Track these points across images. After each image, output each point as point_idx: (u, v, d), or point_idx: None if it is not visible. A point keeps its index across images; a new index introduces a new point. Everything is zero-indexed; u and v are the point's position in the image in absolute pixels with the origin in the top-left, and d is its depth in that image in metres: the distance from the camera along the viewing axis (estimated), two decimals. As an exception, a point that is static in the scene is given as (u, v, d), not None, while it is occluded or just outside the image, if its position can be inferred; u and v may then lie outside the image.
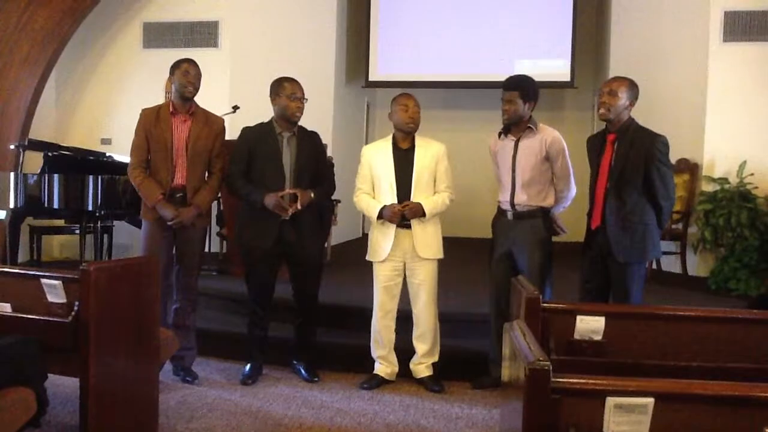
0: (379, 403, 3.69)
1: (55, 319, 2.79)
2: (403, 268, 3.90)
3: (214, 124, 3.92)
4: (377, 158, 3.90)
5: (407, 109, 3.84)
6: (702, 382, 1.85)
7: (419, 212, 3.79)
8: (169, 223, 3.76)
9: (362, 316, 4.11)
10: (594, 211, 3.52)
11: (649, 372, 2.33)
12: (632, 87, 3.46)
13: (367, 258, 3.96)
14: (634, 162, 3.38)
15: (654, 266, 5.88)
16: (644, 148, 3.38)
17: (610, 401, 1.68)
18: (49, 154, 5.63)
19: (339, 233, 6.92)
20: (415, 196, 3.81)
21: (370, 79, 8.20)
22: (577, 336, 2.56)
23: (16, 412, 2.28)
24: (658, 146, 3.39)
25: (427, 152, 3.86)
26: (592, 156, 3.61)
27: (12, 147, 5.82)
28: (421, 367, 3.94)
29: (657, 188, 3.38)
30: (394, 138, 3.92)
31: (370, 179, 3.94)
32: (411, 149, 3.87)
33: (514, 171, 3.75)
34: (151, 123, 3.80)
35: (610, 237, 3.42)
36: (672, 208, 3.53)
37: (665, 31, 6.45)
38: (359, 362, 4.05)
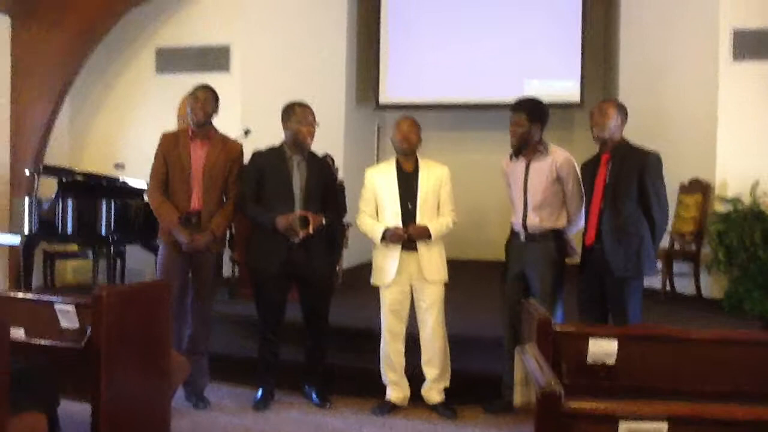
0: (392, 429, 3.67)
1: (68, 345, 2.80)
2: (410, 291, 3.89)
3: (232, 149, 3.96)
4: (381, 181, 3.92)
5: (400, 130, 3.87)
6: (716, 406, 1.83)
7: (425, 234, 3.79)
8: (184, 248, 3.78)
9: (373, 339, 4.09)
10: (588, 227, 3.56)
11: (663, 395, 2.31)
12: (621, 107, 3.58)
13: (372, 282, 3.96)
14: (627, 178, 3.45)
15: (668, 287, 5.83)
16: (637, 164, 3.46)
17: (623, 426, 1.67)
18: (63, 179, 5.68)
19: (351, 256, 6.91)
20: (420, 219, 3.81)
21: (381, 101, 8.25)
22: (589, 359, 2.54)
23: (29, 437, 2.29)
24: (652, 161, 3.48)
25: (431, 175, 3.87)
26: (586, 178, 3.65)
27: (27, 173, 5.88)
28: (433, 392, 3.91)
29: (651, 202, 3.44)
30: (397, 161, 3.93)
31: (373, 202, 3.95)
32: (415, 172, 3.88)
33: (525, 193, 3.76)
34: (170, 147, 3.86)
35: (606, 252, 3.45)
36: (666, 224, 3.56)
37: (674, 51, 6.46)
38: (371, 386, 4.02)
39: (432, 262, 3.84)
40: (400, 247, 3.83)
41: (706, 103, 6.02)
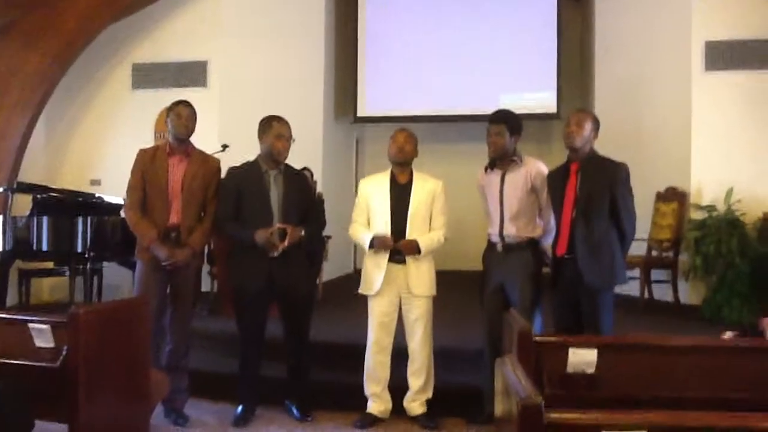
0: (374, 441, 3.64)
1: (43, 364, 2.75)
2: (398, 303, 3.88)
3: (210, 164, 3.95)
4: (374, 192, 3.92)
5: (396, 141, 3.88)
6: (696, 413, 1.84)
7: (415, 249, 3.79)
8: (163, 264, 3.75)
9: (354, 354, 4.07)
10: (560, 238, 3.57)
11: (644, 404, 2.32)
12: (596, 120, 3.61)
13: (360, 291, 3.94)
14: (599, 190, 3.48)
15: (646, 295, 5.88)
16: (608, 176, 3.49)
17: (605, 436, 1.67)
18: (38, 196, 5.62)
19: (330, 269, 6.90)
20: (410, 232, 3.81)
21: (359, 114, 8.27)
22: (570, 369, 2.55)
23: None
24: (622, 174, 3.51)
25: (424, 188, 3.88)
26: (554, 188, 3.65)
27: (1, 190, 5.80)
28: (415, 404, 3.90)
29: (622, 215, 3.47)
30: (392, 172, 3.94)
31: (366, 212, 3.95)
32: (408, 184, 3.89)
33: (501, 204, 3.78)
34: (148, 163, 3.83)
35: (581, 265, 3.46)
36: (634, 234, 3.59)
37: (649, 62, 6.55)
38: (352, 400, 3.99)
39: (420, 276, 3.84)
40: (387, 258, 3.82)
41: (681, 113, 6.12)
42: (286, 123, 3.92)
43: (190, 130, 3.88)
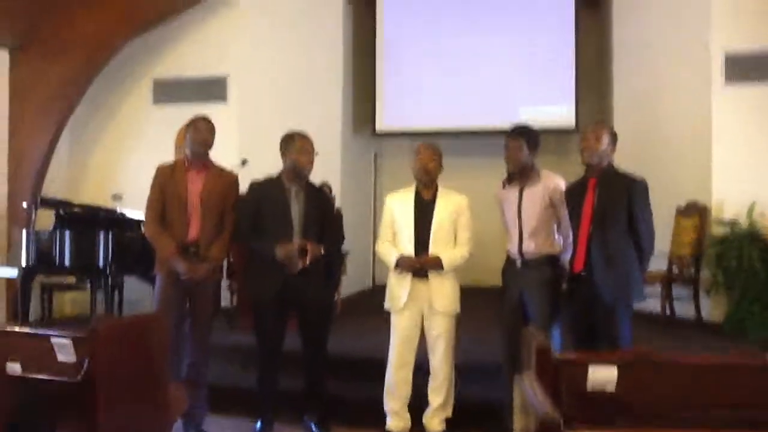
0: (392, 458, 3.63)
1: (65, 379, 2.77)
2: (421, 320, 3.87)
3: (228, 179, 3.98)
4: (399, 207, 3.93)
5: (420, 159, 3.88)
6: (719, 433, 1.81)
7: (437, 265, 3.79)
8: (183, 278, 3.78)
9: (373, 368, 4.06)
10: (577, 255, 3.55)
11: (666, 422, 2.29)
12: (613, 133, 3.59)
13: (385, 306, 3.95)
14: (616, 205, 3.46)
15: (667, 312, 5.81)
16: (626, 191, 3.47)
17: (625, 455, 1.65)
18: (61, 211, 5.69)
19: (349, 284, 6.90)
20: (433, 248, 3.81)
21: (377, 129, 8.29)
22: (589, 387, 2.52)
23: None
24: (639, 188, 3.50)
25: (448, 204, 3.87)
26: (572, 203, 3.64)
27: (24, 205, 5.89)
28: (435, 421, 3.88)
29: (641, 231, 3.45)
30: (417, 188, 3.94)
31: (391, 227, 3.96)
32: (433, 200, 3.88)
33: (520, 219, 3.77)
34: (167, 178, 3.87)
35: (596, 279, 3.44)
36: (653, 250, 3.56)
37: (668, 75, 6.51)
38: (371, 415, 3.98)
39: (443, 292, 3.83)
40: (411, 274, 3.83)
41: (701, 126, 6.06)
42: (309, 138, 3.95)
43: (209, 145, 3.92)
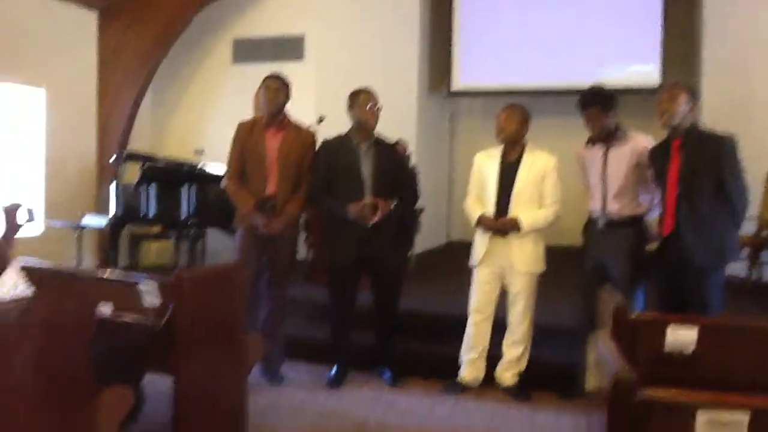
0: (464, 409, 3.69)
1: (150, 323, 2.92)
2: (501, 275, 3.88)
3: (306, 137, 4.03)
4: (485, 167, 3.92)
5: (498, 119, 3.85)
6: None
7: (515, 227, 3.76)
8: (260, 232, 3.88)
9: (446, 324, 4.11)
10: (666, 217, 3.41)
11: (745, 388, 2.23)
12: (691, 93, 3.41)
13: (469, 263, 3.98)
14: (703, 166, 3.30)
15: (754, 277, 5.57)
16: (713, 150, 3.30)
17: (702, 416, 1.62)
18: (146, 165, 5.92)
19: (424, 241, 6.92)
20: (513, 210, 3.78)
21: (453, 88, 8.17)
22: (667, 348, 2.47)
23: (119, 407, 2.42)
24: (728, 147, 3.31)
25: (533, 166, 3.82)
26: (657, 165, 3.50)
27: (112, 159, 6.15)
28: (508, 374, 3.91)
29: (731, 190, 3.28)
30: (504, 147, 3.90)
31: (478, 185, 3.96)
32: (517, 162, 3.83)
33: (605, 180, 3.67)
34: (246, 135, 3.96)
35: (686, 243, 3.31)
36: (747, 209, 3.39)
37: (763, 27, 6.13)
38: (443, 370, 4.04)
39: (523, 252, 3.81)
40: (491, 232, 3.84)
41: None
42: (372, 93, 3.96)
43: (279, 104, 3.95)
